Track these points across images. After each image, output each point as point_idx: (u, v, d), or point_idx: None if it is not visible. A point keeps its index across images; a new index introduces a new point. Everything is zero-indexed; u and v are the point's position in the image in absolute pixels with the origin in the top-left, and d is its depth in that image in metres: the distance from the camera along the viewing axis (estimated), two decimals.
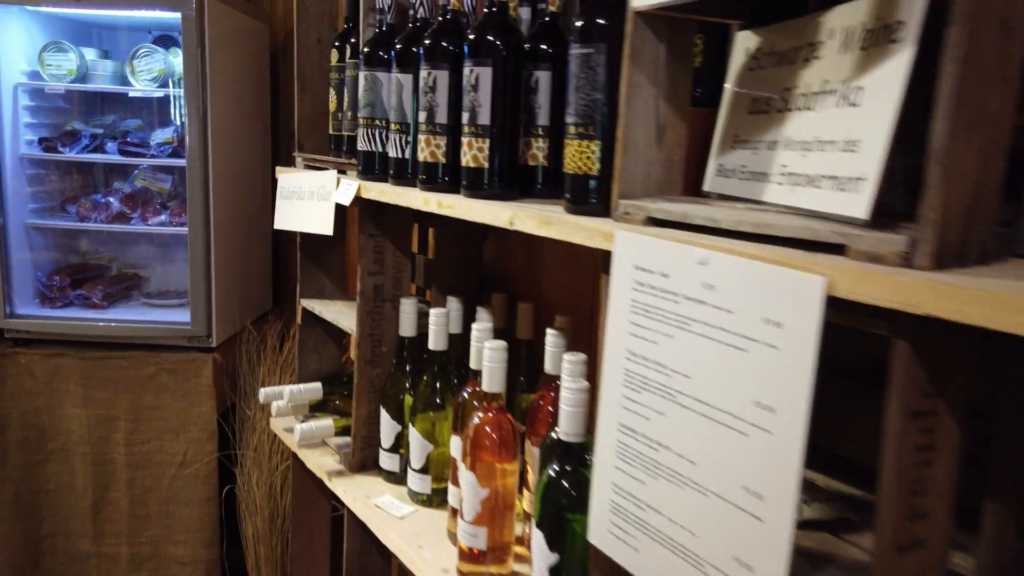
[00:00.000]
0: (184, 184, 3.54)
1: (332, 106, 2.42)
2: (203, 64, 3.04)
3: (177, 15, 3.02)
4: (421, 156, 1.70)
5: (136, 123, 3.56)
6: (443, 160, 1.68)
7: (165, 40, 3.62)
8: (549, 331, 1.61)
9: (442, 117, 1.67)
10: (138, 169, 3.47)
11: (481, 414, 1.48)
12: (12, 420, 3.23)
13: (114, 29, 3.65)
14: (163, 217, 3.29)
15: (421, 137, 1.69)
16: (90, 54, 3.34)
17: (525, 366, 1.87)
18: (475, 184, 1.59)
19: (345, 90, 2.27)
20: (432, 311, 1.85)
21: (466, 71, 1.57)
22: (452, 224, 1.99)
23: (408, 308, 2.03)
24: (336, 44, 2.38)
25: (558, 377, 1.40)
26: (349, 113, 2.26)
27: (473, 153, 1.58)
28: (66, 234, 3.52)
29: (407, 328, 2.01)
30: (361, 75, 1.98)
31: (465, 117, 1.58)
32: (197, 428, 3.26)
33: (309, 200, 2.23)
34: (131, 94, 3.21)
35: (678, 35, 1.22)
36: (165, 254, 3.70)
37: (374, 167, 1.99)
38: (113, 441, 3.25)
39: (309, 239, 2.53)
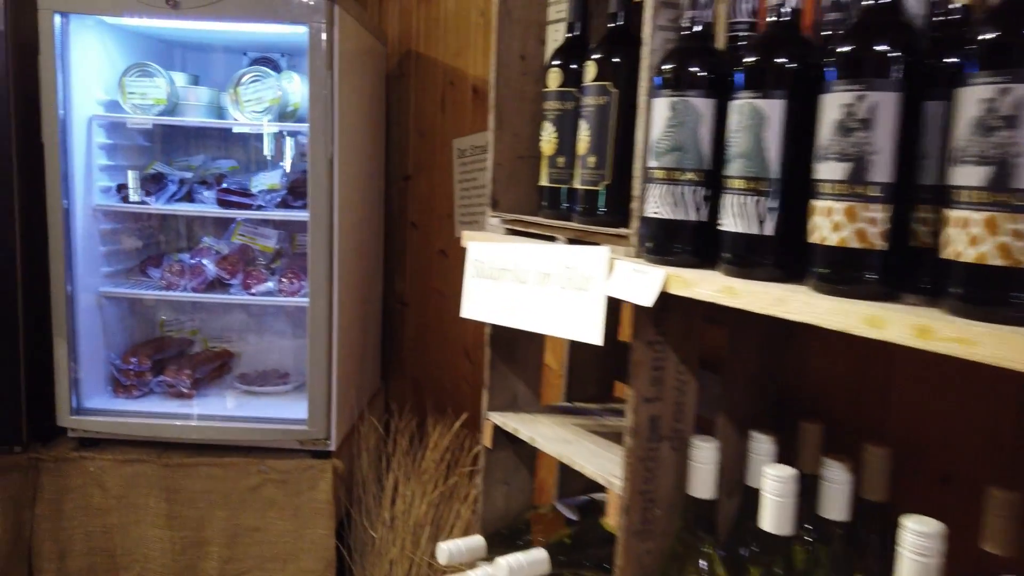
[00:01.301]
0: (289, 242, 2.85)
1: (548, 147, 1.71)
2: (332, 92, 2.35)
3: (298, 30, 2.35)
4: (820, 236, 0.99)
5: (230, 164, 2.89)
6: (879, 245, 0.96)
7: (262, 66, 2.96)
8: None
9: (882, 171, 0.96)
10: (235, 222, 2.79)
11: None
12: (75, 543, 2.52)
13: (202, 50, 3.00)
14: (270, 284, 2.59)
15: (823, 204, 0.98)
16: (179, 80, 2.68)
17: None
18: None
19: (584, 123, 1.57)
20: (771, 473, 1.12)
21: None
22: (752, 323, 1.29)
23: (706, 455, 1.32)
24: (556, 63, 1.68)
25: None
26: (592, 158, 1.55)
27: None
28: (143, 303, 2.84)
29: (703, 485, 1.31)
30: (661, 103, 1.27)
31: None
32: (311, 556, 2.52)
33: (542, 286, 1.50)
34: (235, 129, 2.53)
35: None
36: (260, 324, 3.00)
37: (672, 243, 1.28)
38: (202, 572, 2.53)
39: (503, 331, 1.81)
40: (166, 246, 2.95)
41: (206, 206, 2.58)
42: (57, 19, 2.32)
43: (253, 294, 2.59)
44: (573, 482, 2.05)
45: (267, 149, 2.89)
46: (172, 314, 2.97)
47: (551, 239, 1.66)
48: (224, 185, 2.66)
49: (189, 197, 2.70)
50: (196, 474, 2.50)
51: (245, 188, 2.66)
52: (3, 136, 2.31)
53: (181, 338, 2.94)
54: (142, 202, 2.53)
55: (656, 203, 1.29)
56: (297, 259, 2.79)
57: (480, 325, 2.90)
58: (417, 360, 3.25)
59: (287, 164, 2.80)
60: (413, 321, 3.27)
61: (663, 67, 1.29)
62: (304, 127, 2.52)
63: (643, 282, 1.26)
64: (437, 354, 3.14)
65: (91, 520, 2.51)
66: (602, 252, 1.36)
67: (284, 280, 2.59)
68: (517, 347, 1.88)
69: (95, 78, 2.51)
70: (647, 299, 1.24)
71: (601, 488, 2.05)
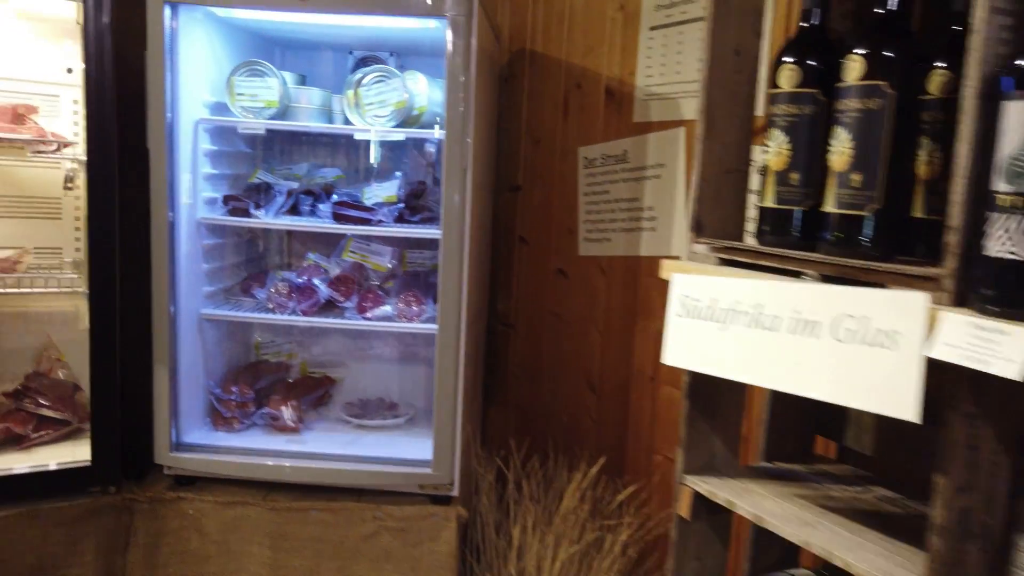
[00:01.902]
0: (399, 259, 2.59)
1: (778, 160, 1.41)
2: (469, 94, 2.08)
3: (427, 24, 2.08)
4: None
5: (335, 173, 2.63)
6: None
7: (369, 65, 2.70)
8: None
9: None
10: (346, 238, 2.52)
11: None
12: None
13: (304, 48, 2.74)
14: (387, 308, 2.32)
15: None
16: (288, 80, 2.42)
17: None
18: None
19: (845, 132, 1.26)
20: None
21: None
22: None
23: None
24: (789, 59, 1.38)
25: None
26: (856, 176, 1.25)
27: None
28: (240, 325, 2.59)
29: None
30: (1018, 108, 0.96)
31: None
32: None
33: (805, 336, 1.20)
34: (357, 135, 2.26)
35: None
36: (364, 348, 2.74)
37: None
38: None
39: (704, 381, 1.50)
40: (267, 263, 2.70)
41: (319, 220, 2.31)
42: (167, 10, 2.07)
43: (369, 319, 2.32)
44: (765, 556, 1.75)
45: (376, 157, 2.63)
46: (268, 336, 2.72)
47: (792, 274, 1.36)
48: (337, 197, 2.39)
49: (295, 209, 2.44)
50: (305, 519, 2.24)
51: (356, 200, 2.40)
52: (106, 141, 2.07)
53: (278, 363, 2.68)
54: (249, 213, 2.27)
55: (1008, 240, 0.98)
56: (410, 279, 2.52)
57: (613, 357, 2.60)
58: (525, 388, 2.96)
59: (400, 174, 2.53)
60: (520, 345, 2.98)
61: (1019, 62, 0.98)
62: (431, 134, 2.24)
63: (1004, 347, 0.95)
64: (552, 383, 2.85)
65: (188, 567, 2.26)
66: (918, 300, 1.05)
67: (403, 303, 2.32)
68: (718, 399, 1.58)
69: (202, 78, 2.27)
70: (1012, 370, 0.93)
71: (795, 562, 1.75)
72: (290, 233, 2.69)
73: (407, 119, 2.26)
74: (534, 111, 2.87)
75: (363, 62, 2.71)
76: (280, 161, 2.67)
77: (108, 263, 2.12)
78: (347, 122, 2.31)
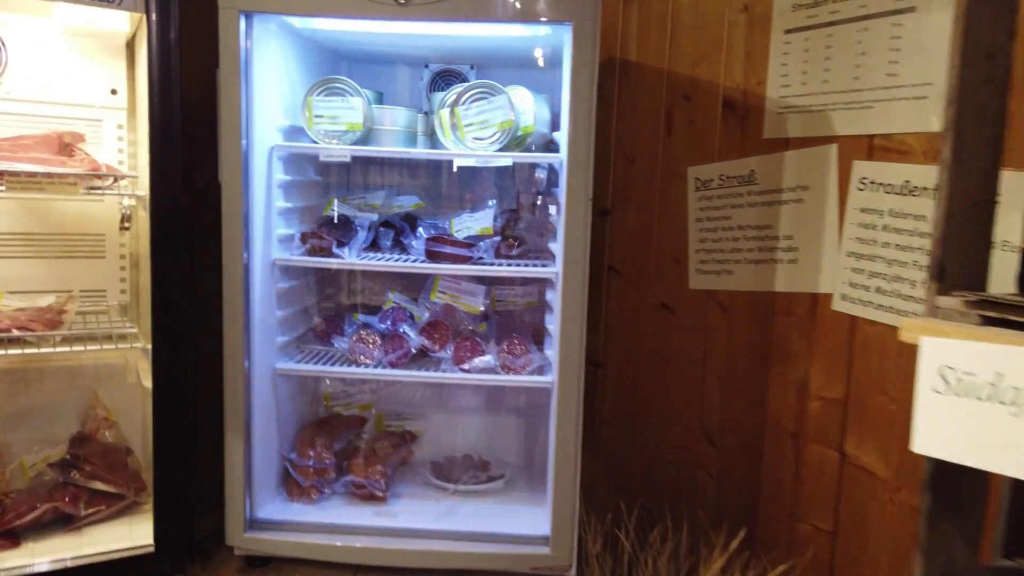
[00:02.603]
0: (488, 298, 2.28)
1: None
2: (591, 110, 1.78)
3: (521, 32, 1.78)
4: None
5: (414, 202, 2.32)
6: None
7: (446, 80, 2.41)
8: None
9: None
10: (432, 276, 2.22)
11: None
12: None
13: (373, 63, 2.45)
14: (488, 358, 2.01)
15: None
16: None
17: None
18: None
19: None
20: None
21: None
22: None
23: None
24: None
25: None
26: None
27: None
28: (313, 377, 2.28)
29: None
30: None
31: None
32: None
33: None
34: (459, 162, 1.95)
35: None
36: (448, 396, 2.43)
37: None
38: None
39: (947, 470, 1.19)
40: (340, 304, 2.39)
41: (408, 258, 2.01)
42: (242, 21, 1.78)
43: (468, 371, 2.01)
44: None
45: (465, 182, 2.33)
46: (339, 386, 2.41)
47: None
48: (424, 231, 2.09)
49: (375, 244, 2.14)
50: None
51: (443, 233, 2.10)
52: (171, 175, 1.78)
53: (352, 416, 2.37)
54: (334, 254, 1.97)
55: None
56: (504, 321, 2.22)
57: (737, 405, 2.27)
58: (619, 436, 2.64)
59: (494, 203, 2.23)
60: (612, 386, 2.67)
61: None
62: (555, 158, 1.94)
63: None
64: (654, 431, 2.53)
65: None
66: None
67: (505, 352, 2.01)
68: (961, 491, 1.26)
69: (275, 99, 1.97)
70: None
71: None
72: (372, 272, 2.39)
73: (511, 141, 1.96)
74: (626, 127, 2.56)
75: (440, 76, 2.43)
76: (352, 189, 2.37)
77: (174, 313, 1.82)
78: (433, 144, 2.01)
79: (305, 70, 2.12)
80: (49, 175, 1.75)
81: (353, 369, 2.01)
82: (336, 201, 2.22)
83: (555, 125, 2.06)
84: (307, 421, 2.30)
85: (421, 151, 2.04)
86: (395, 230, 2.19)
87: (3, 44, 2.21)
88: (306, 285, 2.24)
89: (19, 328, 1.77)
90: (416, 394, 2.42)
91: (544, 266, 2.01)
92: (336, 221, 2.10)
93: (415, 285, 2.31)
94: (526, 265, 2.02)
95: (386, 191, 2.34)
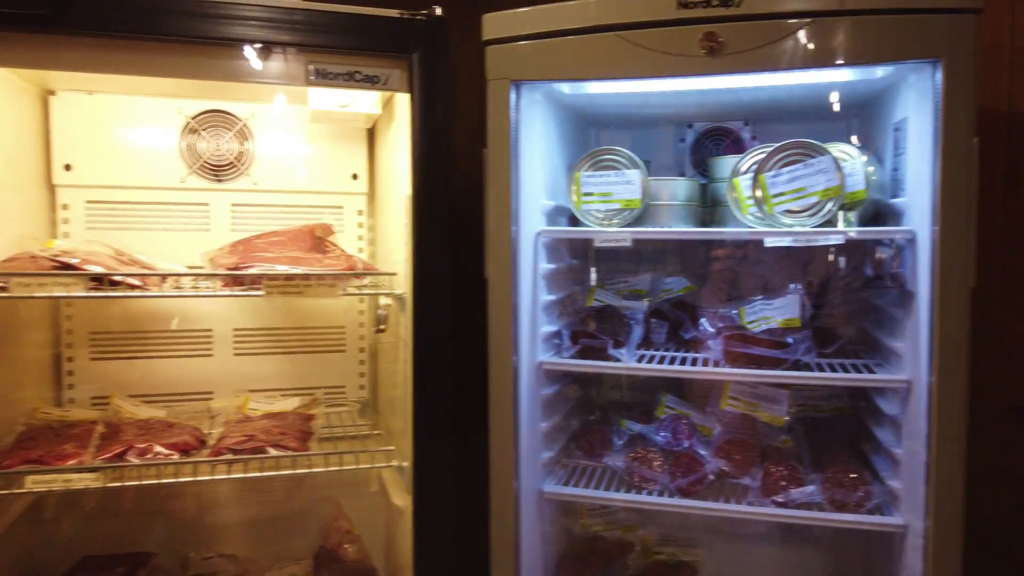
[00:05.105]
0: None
1: None
2: (970, 172, 1.34)
3: (852, 76, 1.38)
4: None
5: (683, 285, 1.96)
6: None
7: (714, 140, 2.06)
8: None
9: None
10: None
11: None
12: None
13: (623, 126, 2.14)
14: (811, 489, 1.57)
15: None
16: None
17: None
18: None
19: None
20: None
21: None
22: None
23: None
24: None
25: None
26: None
27: None
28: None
29: None
30: None
31: None
32: None
33: None
34: (769, 242, 1.57)
35: None
36: (735, 520, 1.99)
37: None
38: None
39: None
40: (600, 409, 2.06)
41: (690, 358, 1.64)
42: (512, 94, 1.53)
43: (782, 504, 1.58)
44: None
45: (750, 262, 1.94)
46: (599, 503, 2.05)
47: None
48: (708, 323, 1.72)
49: (647, 340, 1.79)
50: None
51: (739, 325, 1.71)
52: (436, 272, 1.54)
53: (615, 541, 2.00)
54: (609, 356, 1.64)
55: None
56: (812, 434, 1.77)
57: None
58: None
59: (795, 286, 1.81)
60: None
61: None
62: (884, 232, 1.52)
63: None
64: None
65: None
66: None
67: (832, 483, 1.56)
68: None
69: (537, 176, 1.71)
70: None
71: None
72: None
73: (833, 213, 1.55)
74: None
75: (708, 136, 2.09)
76: (610, 273, 2.06)
77: (438, 431, 1.56)
78: (714, 218, 1.64)
79: (558, 141, 1.86)
80: (307, 277, 1.58)
81: (636, 497, 1.65)
82: (597, 290, 1.91)
83: (893, 189, 1.63)
84: (564, 546, 1.96)
85: (725, 231, 1.68)
86: (669, 321, 1.84)
87: (251, 135, 2.15)
88: (566, 389, 1.93)
89: (274, 447, 1.59)
90: (691, 515, 2.01)
91: (876, 368, 1.56)
92: (604, 314, 1.79)
93: (693, 386, 1.93)
94: (855, 368, 1.57)
95: (652, 275, 2.00)
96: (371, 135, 2.27)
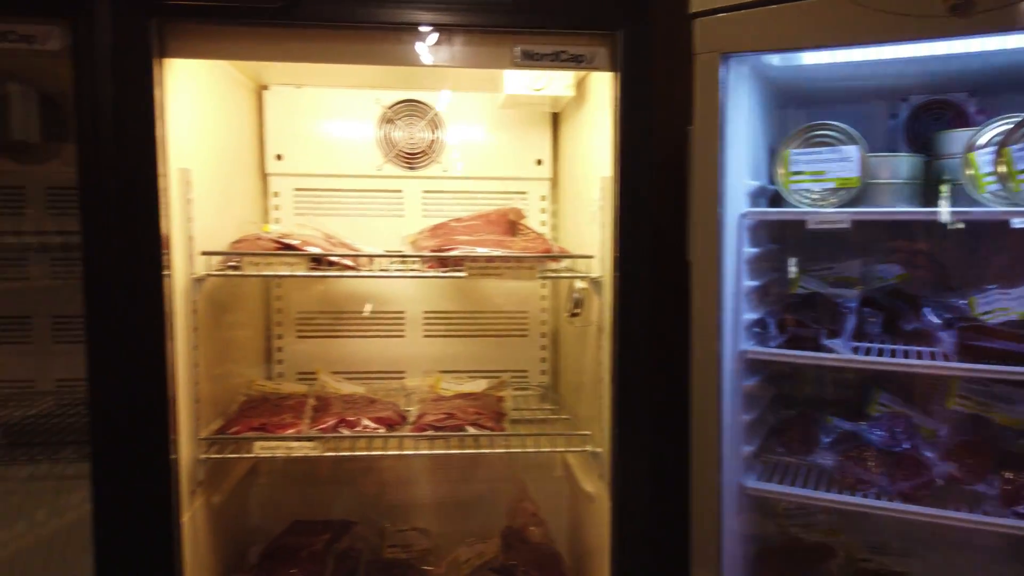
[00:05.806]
0: None
1: None
2: None
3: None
4: None
5: (897, 272, 1.80)
6: None
7: (934, 114, 1.87)
8: None
9: None
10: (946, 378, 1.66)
11: None
12: None
13: (825, 103, 1.99)
14: None
15: None
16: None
17: None
18: None
19: None
20: None
21: None
22: None
23: None
24: None
25: None
26: None
27: None
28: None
29: None
30: None
31: None
32: None
33: None
34: (1021, 223, 1.41)
35: None
36: (955, 528, 1.81)
37: None
38: None
39: None
40: (803, 403, 1.94)
41: (914, 351, 1.49)
42: (721, 67, 1.46)
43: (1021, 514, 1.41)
44: None
45: (975, 247, 1.75)
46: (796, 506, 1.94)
47: None
48: (932, 314, 1.56)
49: (860, 331, 1.66)
50: None
51: (958, 311, 1.54)
52: (640, 255, 1.50)
53: (816, 545, 1.88)
54: (822, 347, 1.53)
55: None
56: None
57: None
58: None
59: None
60: None
61: None
62: None
63: None
64: None
65: None
66: None
67: None
68: None
69: (741, 155, 1.62)
70: None
71: None
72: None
73: None
74: None
75: (925, 110, 1.90)
76: (812, 258, 1.93)
77: (639, 418, 1.53)
78: (937, 197, 1.48)
79: (760, 118, 1.75)
80: (506, 259, 1.59)
81: (853, 499, 1.53)
82: (802, 276, 1.80)
83: None
84: (759, 545, 1.86)
85: (972, 210, 1.51)
86: (885, 311, 1.69)
87: (442, 123, 2.21)
88: (768, 380, 1.83)
89: (472, 425, 1.63)
90: (903, 522, 1.85)
91: None
92: (811, 302, 1.67)
93: (908, 383, 1.77)
94: None
95: (862, 261, 1.85)
96: (554, 120, 2.27)
